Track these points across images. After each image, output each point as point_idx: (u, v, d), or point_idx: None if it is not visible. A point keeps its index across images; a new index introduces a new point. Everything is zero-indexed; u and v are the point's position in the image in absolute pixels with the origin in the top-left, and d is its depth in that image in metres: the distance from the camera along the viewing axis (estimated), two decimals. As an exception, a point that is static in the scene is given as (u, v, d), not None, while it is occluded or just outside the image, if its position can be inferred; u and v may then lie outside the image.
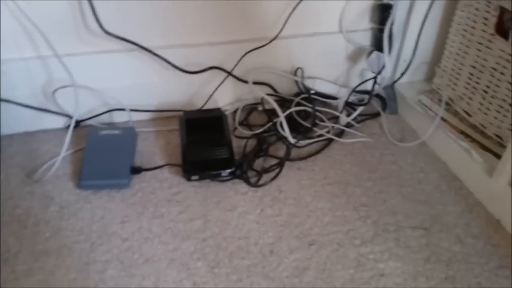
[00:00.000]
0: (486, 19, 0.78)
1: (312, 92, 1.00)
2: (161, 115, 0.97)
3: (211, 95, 0.95)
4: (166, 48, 0.89)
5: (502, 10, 0.74)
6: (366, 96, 0.98)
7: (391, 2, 0.88)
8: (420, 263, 0.66)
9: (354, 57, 1.01)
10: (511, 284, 0.63)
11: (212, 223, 0.73)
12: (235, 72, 0.95)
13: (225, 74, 0.94)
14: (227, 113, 0.97)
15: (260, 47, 0.92)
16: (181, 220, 0.73)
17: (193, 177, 0.79)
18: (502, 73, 0.76)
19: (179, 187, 0.79)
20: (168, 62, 0.89)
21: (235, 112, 0.99)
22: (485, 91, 0.81)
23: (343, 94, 1.00)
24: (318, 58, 0.99)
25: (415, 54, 0.95)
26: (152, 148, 0.89)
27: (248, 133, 0.92)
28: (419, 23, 0.91)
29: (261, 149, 0.88)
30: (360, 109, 0.96)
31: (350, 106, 0.99)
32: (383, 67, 0.94)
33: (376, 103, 1.01)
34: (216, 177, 0.80)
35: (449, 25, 0.88)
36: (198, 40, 0.91)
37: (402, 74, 0.97)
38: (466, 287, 0.63)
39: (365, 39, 0.98)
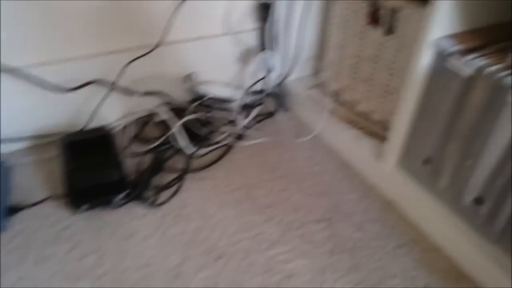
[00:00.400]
0: (357, 10, 0.81)
1: (207, 97, 0.97)
2: (39, 142, 0.86)
3: (92, 113, 0.87)
4: (37, 66, 0.78)
5: (372, 2, 0.78)
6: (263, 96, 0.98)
7: (270, 1, 0.89)
8: (326, 257, 0.68)
9: (245, 58, 1.00)
10: (410, 260, 0.67)
11: (108, 256, 0.66)
12: (121, 84, 0.88)
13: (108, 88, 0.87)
14: (118, 129, 0.90)
15: (144, 55, 0.86)
16: (72, 259, 0.65)
17: (82, 208, 0.71)
18: (378, 61, 0.81)
19: (66, 222, 0.71)
20: (40, 81, 0.79)
21: (125, 128, 0.92)
22: (367, 80, 0.85)
23: (239, 97, 0.99)
24: (209, 62, 0.96)
25: (300, 50, 0.97)
26: (31, 181, 0.78)
27: (142, 149, 0.86)
28: (300, 20, 0.93)
29: (158, 165, 0.82)
30: (255, 110, 0.96)
31: (247, 107, 0.98)
32: (272, 66, 0.95)
33: (271, 102, 1.01)
34: (108, 204, 0.73)
35: (329, 19, 0.92)
36: (74, 53, 0.82)
37: (289, 71, 0.98)
38: (368, 273, 0.65)
39: (252, 39, 0.98)
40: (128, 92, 0.90)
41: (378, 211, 0.76)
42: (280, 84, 1.00)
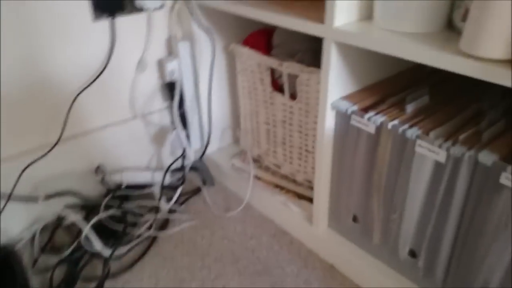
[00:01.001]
0: (262, 79, 0.82)
1: (124, 186, 0.90)
2: None
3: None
4: None
5: (272, 70, 0.79)
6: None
7: (175, 80, 0.87)
8: None
9: (159, 138, 0.95)
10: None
11: None
12: (21, 192, 0.78)
13: (4, 200, 0.76)
14: (24, 242, 0.79)
15: (43, 156, 0.79)
16: None
17: None
18: (290, 124, 0.80)
19: None
20: None
21: (33, 238, 0.81)
22: (284, 143, 0.84)
23: (158, 179, 0.93)
24: (122, 148, 0.90)
25: (214, 122, 0.95)
26: None
27: (54, 260, 0.75)
28: (208, 93, 0.92)
29: (72, 277, 0.72)
30: (179, 190, 0.90)
31: (170, 189, 0.92)
32: (188, 142, 0.91)
33: (194, 179, 0.96)
34: None
35: (238, 89, 0.91)
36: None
37: (207, 144, 0.95)
38: None
39: (164, 118, 0.94)
40: (30, 198, 0.80)
41: (322, 279, 0.72)
42: (200, 159, 0.96)
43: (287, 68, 0.73)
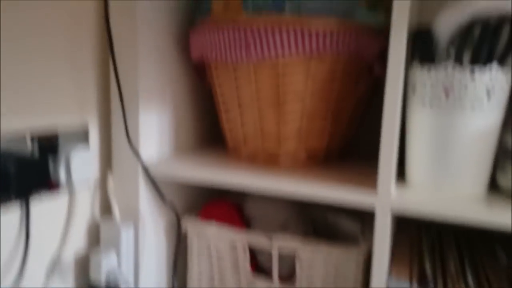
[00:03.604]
0: (235, 262, 0.63)
1: None
2: None
3: None
4: None
5: (252, 250, 0.62)
6: None
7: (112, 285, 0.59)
8: None
9: None
10: None
11: None
12: None
13: None
14: None
15: None
16: None
17: None
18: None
19: None
20: None
21: None
22: None
23: None
24: None
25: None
26: None
27: None
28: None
29: None
30: None
31: None
32: None
33: None
34: None
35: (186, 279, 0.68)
36: None
37: None
38: None
39: None
40: None
41: None
42: None
43: (282, 245, 0.58)
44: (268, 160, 0.61)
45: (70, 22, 0.55)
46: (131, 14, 0.56)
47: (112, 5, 0.57)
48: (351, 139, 0.68)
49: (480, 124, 0.46)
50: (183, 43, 0.67)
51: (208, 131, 0.77)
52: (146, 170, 0.60)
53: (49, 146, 0.54)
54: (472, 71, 0.45)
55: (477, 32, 0.44)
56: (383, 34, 0.55)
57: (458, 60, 0.45)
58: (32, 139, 0.52)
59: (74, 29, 0.56)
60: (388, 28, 0.45)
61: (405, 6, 0.44)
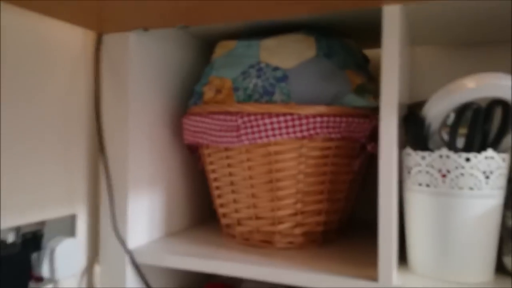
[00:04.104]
0: None
1: None
2: None
3: None
4: None
5: None
6: None
7: None
8: None
9: None
10: None
11: None
12: None
13: None
14: None
15: None
16: None
17: None
18: None
19: None
20: None
21: None
22: None
23: None
24: None
25: None
26: None
27: None
28: None
29: None
30: None
31: None
32: None
33: None
34: None
35: None
36: None
37: None
38: None
39: None
40: None
41: None
42: None
43: None
44: (263, 241, 0.59)
45: (60, 112, 0.55)
46: (123, 103, 0.57)
47: (104, 92, 0.58)
48: (349, 215, 0.66)
49: (480, 204, 0.45)
50: (176, 127, 0.67)
51: (202, 210, 0.75)
52: (132, 259, 0.57)
53: (33, 239, 0.51)
54: (467, 158, 0.44)
55: (469, 116, 0.44)
56: (374, 114, 0.55)
57: (452, 145, 0.45)
58: (17, 232, 0.49)
59: (64, 120, 0.56)
60: (378, 108, 0.45)
61: (393, 90, 0.44)
